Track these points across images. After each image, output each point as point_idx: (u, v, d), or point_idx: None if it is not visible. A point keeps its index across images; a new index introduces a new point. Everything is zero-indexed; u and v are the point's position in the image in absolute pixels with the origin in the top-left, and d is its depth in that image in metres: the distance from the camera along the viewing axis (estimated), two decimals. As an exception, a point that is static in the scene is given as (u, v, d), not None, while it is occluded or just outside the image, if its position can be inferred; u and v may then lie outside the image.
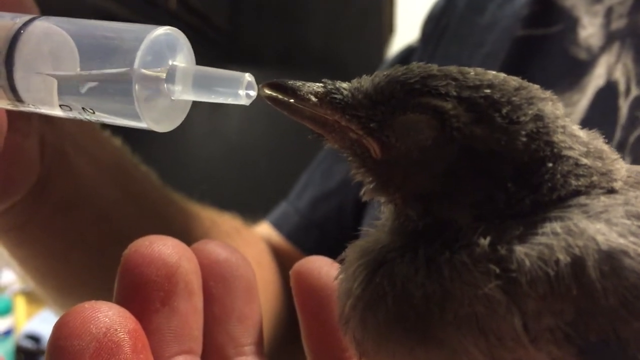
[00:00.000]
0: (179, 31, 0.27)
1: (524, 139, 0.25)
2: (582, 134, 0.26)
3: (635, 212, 0.24)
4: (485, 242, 0.23)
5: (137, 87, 0.25)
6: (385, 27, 1.44)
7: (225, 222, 0.64)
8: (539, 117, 0.25)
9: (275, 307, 0.64)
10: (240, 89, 0.25)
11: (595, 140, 0.27)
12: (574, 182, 0.25)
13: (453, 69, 0.26)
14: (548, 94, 0.26)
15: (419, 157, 0.25)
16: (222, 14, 1.42)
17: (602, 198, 0.24)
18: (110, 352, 0.24)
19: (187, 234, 0.56)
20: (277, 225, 0.72)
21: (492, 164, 0.25)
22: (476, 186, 0.25)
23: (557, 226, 0.23)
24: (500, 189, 0.25)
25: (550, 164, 0.25)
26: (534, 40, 0.58)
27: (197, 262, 0.30)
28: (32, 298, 1.22)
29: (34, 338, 1.12)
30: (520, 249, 0.23)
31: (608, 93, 0.49)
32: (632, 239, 0.23)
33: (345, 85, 0.27)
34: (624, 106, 0.48)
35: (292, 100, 0.26)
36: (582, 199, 0.24)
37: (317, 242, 0.69)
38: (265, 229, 0.72)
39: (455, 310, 0.23)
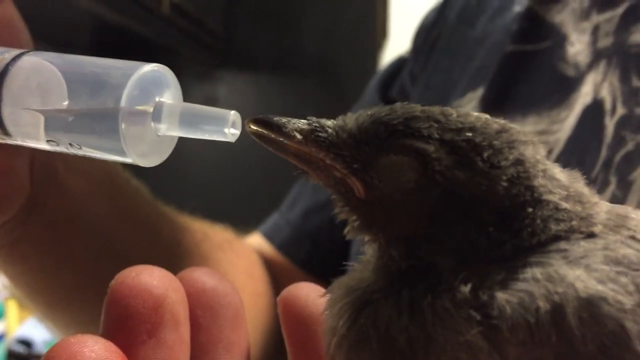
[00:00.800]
0: (167, 68, 0.27)
1: (505, 184, 0.25)
2: (563, 176, 0.26)
3: (614, 258, 0.24)
4: (467, 288, 0.24)
5: (123, 125, 0.25)
6: (378, 32, 1.44)
7: (217, 234, 0.64)
8: (519, 162, 0.25)
9: (267, 319, 0.64)
10: (226, 127, 0.26)
11: (575, 182, 0.27)
12: (554, 227, 0.25)
13: (436, 110, 0.26)
14: (529, 136, 0.26)
15: (401, 199, 0.26)
16: (216, 18, 1.42)
17: (582, 243, 0.24)
18: None
19: (178, 248, 0.57)
20: (269, 236, 0.72)
21: (473, 208, 0.25)
22: (458, 230, 0.25)
23: (537, 272, 0.23)
24: (481, 234, 0.25)
25: (531, 209, 0.25)
26: (523, 55, 0.58)
27: (184, 292, 0.30)
28: (23, 303, 1.22)
29: (26, 343, 1.12)
30: (501, 296, 0.23)
31: (595, 111, 0.50)
32: (611, 285, 0.23)
33: (329, 123, 0.27)
34: (610, 125, 0.48)
35: (277, 137, 0.26)
36: (562, 244, 0.24)
37: (308, 254, 0.70)
38: (257, 240, 0.72)
39: (438, 356, 0.24)
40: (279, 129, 0.26)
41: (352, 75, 1.37)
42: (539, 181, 0.25)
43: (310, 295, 0.31)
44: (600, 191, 0.46)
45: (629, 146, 0.46)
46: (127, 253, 0.53)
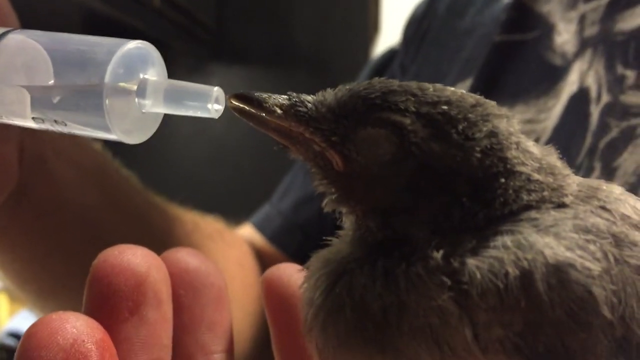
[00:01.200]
0: (151, 45, 0.27)
1: (479, 155, 0.25)
2: (536, 150, 0.27)
3: (583, 226, 0.24)
4: (439, 254, 0.24)
5: (107, 101, 0.25)
6: (370, 26, 1.44)
7: (208, 224, 0.64)
8: (493, 134, 0.26)
9: (257, 309, 0.65)
10: (210, 103, 0.26)
11: (548, 156, 0.27)
12: (525, 197, 0.25)
13: (413, 84, 0.26)
14: (504, 110, 0.27)
15: (379, 171, 0.26)
16: (208, 11, 1.42)
17: (552, 212, 0.25)
18: None
19: (168, 238, 0.57)
20: (260, 227, 0.72)
21: (448, 179, 0.26)
22: (433, 201, 0.26)
23: (507, 240, 0.24)
24: (455, 204, 0.25)
25: (503, 180, 0.25)
26: (511, 45, 0.59)
27: (167, 271, 0.30)
28: (14, 296, 1.22)
29: (17, 336, 1.11)
30: (472, 262, 0.24)
31: (580, 99, 0.50)
32: (579, 252, 0.23)
33: (309, 98, 0.27)
34: (595, 112, 0.49)
35: (257, 112, 0.27)
36: (533, 213, 0.25)
37: (299, 245, 0.70)
38: (248, 231, 0.73)
39: (410, 321, 0.24)
40: (259, 104, 0.26)
41: (344, 68, 1.38)
42: (511, 153, 0.26)
43: (292, 275, 0.32)
44: (586, 177, 0.46)
45: (613, 133, 0.46)
46: (116, 242, 0.53)
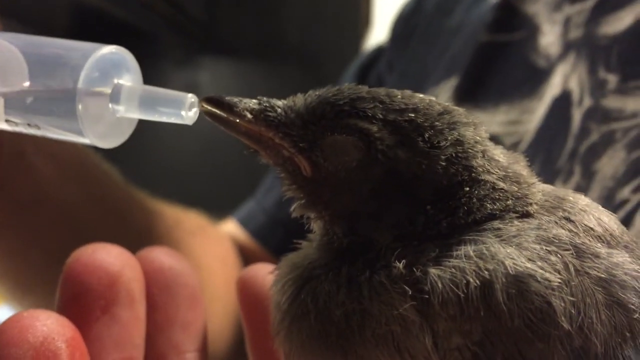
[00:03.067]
0: (126, 50, 0.27)
1: (444, 163, 0.26)
2: (502, 157, 0.27)
3: (546, 237, 0.25)
4: (401, 264, 0.25)
5: (80, 105, 0.25)
6: (361, 20, 1.44)
7: (190, 220, 0.64)
8: (459, 142, 0.26)
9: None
10: (183, 110, 0.26)
11: (515, 163, 0.28)
12: (489, 206, 0.26)
13: (382, 91, 0.27)
14: (471, 118, 0.27)
15: (345, 177, 0.26)
16: (198, 4, 1.41)
17: (516, 222, 0.25)
18: None
19: (149, 233, 0.57)
20: (243, 222, 0.72)
21: (414, 186, 0.26)
22: (398, 208, 0.26)
23: (469, 249, 0.24)
24: (420, 211, 0.26)
25: (468, 188, 0.26)
26: (496, 46, 0.59)
27: (140, 270, 0.30)
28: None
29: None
30: (434, 272, 0.24)
31: (563, 102, 0.50)
32: (540, 263, 0.24)
33: (280, 103, 0.27)
34: (577, 116, 0.49)
35: (228, 116, 0.27)
36: (496, 223, 0.25)
37: (282, 240, 0.70)
38: (231, 226, 0.73)
39: (373, 329, 0.24)
40: (230, 108, 0.27)
41: (335, 62, 1.37)
42: (477, 161, 0.26)
43: (267, 276, 0.32)
44: (565, 181, 0.47)
45: (594, 137, 0.47)
46: (96, 237, 0.52)
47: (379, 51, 0.76)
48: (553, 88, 0.52)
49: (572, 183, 0.46)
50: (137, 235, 0.56)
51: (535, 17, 0.58)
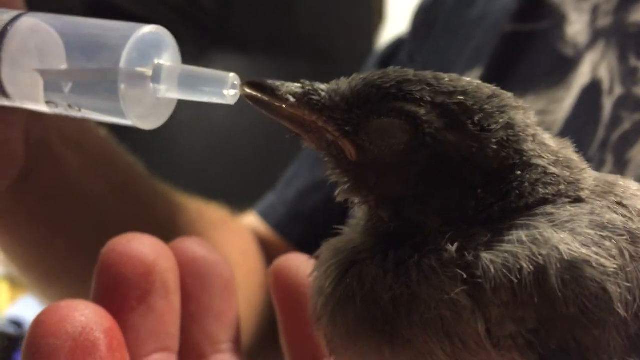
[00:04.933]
0: (166, 30, 0.27)
1: (495, 147, 0.25)
2: (552, 142, 0.27)
3: (599, 222, 0.24)
4: (453, 247, 0.24)
5: (122, 85, 0.25)
6: (375, 14, 1.43)
7: (212, 212, 0.64)
8: (509, 126, 0.25)
9: (261, 297, 0.65)
10: (225, 89, 0.26)
11: (565, 149, 0.27)
12: (541, 190, 0.25)
13: (429, 74, 0.26)
14: (520, 102, 0.27)
15: (392, 161, 0.26)
16: (211, -2, 1.41)
17: (568, 207, 0.25)
18: (86, 351, 0.25)
19: (173, 225, 0.57)
20: (264, 215, 0.72)
21: (463, 170, 0.25)
22: (447, 191, 0.25)
23: (522, 234, 0.24)
24: (470, 195, 0.25)
25: (519, 172, 0.25)
26: (522, 35, 0.58)
27: (175, 261, 0.30)
28: (15, 283, 1.21)
29: (17, 323, 1.11)
30: (486, 256, 0.23)
31: (592, 91, 0.50)
32: (594, 249, 0.23)
33: (323, 86, 0.27)
34: (607, 105, 0.48)
35: (271, 100, 0.26)
36: (549, 208, 0.25)
37: (303, 233, 0.70)
38: (252, 220, 0.72)
39: (422, 313, 0.24)
40: (272, 91, 0.26)
41: (348, 57, 1.37)
42: (528, 145, 0.26)
43: (300, 266, 0.31)
44: (597, 170, 0.46)
45: (626, 125, 0.46)
46: (120, 228, 0.52)
47: (399, 43, 0.76)
48: (581, 77, 0.52)
49: (604, 172, 0.46)
50: (161, 227, 0.56)
51: (561, 5, 0.57)
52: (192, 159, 1.31)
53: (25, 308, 1.13)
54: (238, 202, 0.72)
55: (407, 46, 0.73)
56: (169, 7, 1.26)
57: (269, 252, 0.69)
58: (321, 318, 0.27)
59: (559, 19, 0.56)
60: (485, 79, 0.58)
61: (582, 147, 0.49)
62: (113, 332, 0.26)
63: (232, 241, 0.66)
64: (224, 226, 0.65)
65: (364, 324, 0.25)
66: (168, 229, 0.57)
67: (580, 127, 0.50)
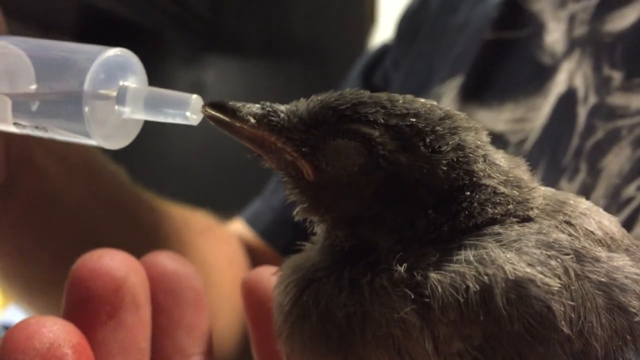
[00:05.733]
0: (131, 52, 0.27)
1: (445, 168, 0.26)
2: (504, 162, 0.27)
3: (546, 242, 0.25)
4: (402, 267, 0.25)
5: (86, 108, 0.26)
6: (366, 17, 1.44)
7: (197, 220, 0.64)
8: (460, 147, 0.26)
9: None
10: (188, 111, 0.26)
11: (516, 168, 0.28)
12: (490, 210, 0.26)
13: (384, 96, 0.27)
14: (473, 123, 0.27)
15: (348, 182, 0.27)
16: (203, 2, 1.41)
17: (516, 227, 0.25)
18: None
19: (157, 233, 0.57)
20: (251, 222, 0.72)
21: (415, 190, 0.26)
22: (399, 211, 0.26)
23: (470, 254, 0.24)
24: (421, 215, 0.26)
25: (469, 192, 0.26)
26: (502, 43, 0.59)
27: (145, 275, 0.31)
28: (4, 290, 1.21)
29: (8, 329, 1.11)
30: (434, 276, 0.24)
31: (568, 100, 0.50)
32: (539, 268, 0.24)
33: (282, 108, 0.28)
34: (582, 113, 0.49)
35: (232, 121, 0.27)
36: (497, 228, 0.25)
37: (290, 240, 0.70)
38: (239, 226, 0.73)
39: (374, 331, 0.25)
40: (233, 113, 0.27)
41: (340, 60, 1.37)
42: (478, 166, 0.26)
43: (272, 279, 0.32)
44: (571, 179, 0.47)
45: (599, 134, 0.47)
46: (104, 238, 0.53)
47: (385, 49, 0.76)
48: (558, 85, 0.52)
49: (577, 181, 0.46)
50: (146, 235, 0.57)
51: (540, 14, 0.58)
52: (181, 163, 1.32)
53: (17, 314, 1.13)
54: (226, 207, 0.73)
55: (392, 52, 0.73)
56: (162, 11, 1.26)
57: (256, 258, 0.70)
58: (281, 333, 0.28)
59: (538, 28, 0.57)
60: (466, 86, 0.59)
61: (557, 155, 0.50)
62: (81, 348, 0.27)
63: (218, 248, 0.66)
64: (210, 233, 0.65)
65: (319, 341, 0.26)
66: (153, 237, 0.57)
67: (556, 135, 0.50)
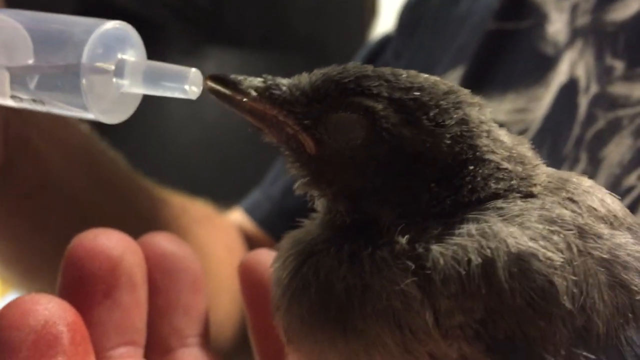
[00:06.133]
0: (129, 25, 0.27)
1: (448, 142, 0.26)
2: (507, 139, 0.27)
3: (549, 217, 0.25)
4: (404, 239, 0.25)
5: (84, 80, 0.25)
6: (367, 10, 1.44)
7: (196, 208, 0.64)
8: (464, 121, 0.26)
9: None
10: (186, 84, 0.26)
11: (519, 145, 0.28)
12: (493, 185, 0.26)
13: (387, 70, 0.27)
14: (476, 99, 0.27)
15: (350, 155, 0.26)
16: (205, -6, 1.41)
17: (519, 202, 0.25)
18: (48, 344, 0.25)
19: (155, 220, 0.57)
20: (250, 211, 0.72)
21: (418, 164, 0.26)
22: (402, 185, 0.26)
23: (472, 228, 0.24)
24: (424, 189, 0.26)
25: (472, 167, 0.26)
26: (504, 34, 0.59)
27: (142, 256, 0.30)
28: (3, 277, 1.21)
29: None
30: (436, 248, 0.24)
31: (570, 89, 0.50)
32: (542, 242, 0.24)
33: (284, 81, 0.27)
34: (583, 103, 0.49)
35: (233, 94, 0.26)
36: (499, 202, 0.25)
37: (289, 229, 0.70)
38: (238, 215, 0.73)
39: (374, 304, 0.24)
40: (234, 85, 0.27)
41: (341, 52, 1.36)
42: (482, 141, 0.26)
43: (269, 260, 0.32)
44: (571, 168, 0.47)
45: (600, 124, 0.46)
46: (101, 223, 0.53)
47: (386, 40, 0.76)
48: (560, 75, 0.52)
49: (578, 170, 0.46)
50: (143, 222, 0.56)
51: (542, 4, 0.57)
52: (182, 153, 1.31)
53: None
54: (226, 197, 0.72)
55: (394, 43, 0.73)
56: (163, 2, 1.26)
57: (255, 248, 0.69)
58: (279, 308, 0.27)
59: (540, 18, 0.56)
60: (468, 77, 0.59)
61: (558, 145, 0.49)
62: (76, 326, 0.27)
63: (216, 237, 0.66)
64: (209, 222, 0.65)
65: (318, 314, 0.26)
66: (150, 224, 0.57)
67: (557, 125, 0.50)
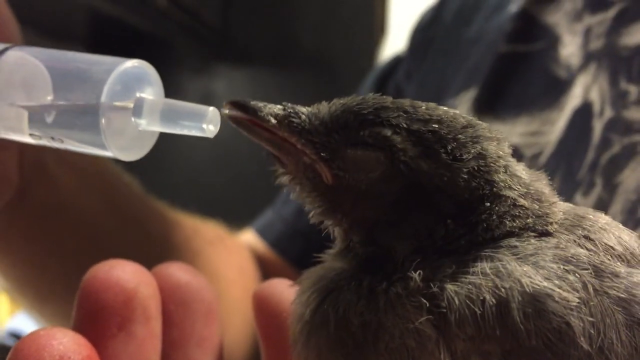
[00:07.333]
0: (148, 64, 0.27)
1: (465, 176, 0.25)
2: (525, 174, 0.27)
3: (563, 256, 0.24)
4: (419, 277, 0.24)
5: (103, 119, 0.26)
6: (376, 27, 1.44)
7: (209, 230, 0.64)
8: (481, 156, 0.26)
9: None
10: (204, 123, 0.26)
11: (537, 181, 0.27)
12: (508, 224, 0.25)
13: (406, 102, 0.26)
14: (495, 133, 0.27)
15: (367, 189, 0.26)
16: (213, 11, 1.42)
17: (533, 241, 0.25)
18: None
19: (168, 243, 0.57)
20: (262, 232, 0.72)
21: (435, 198, 0.26)
22: (418, 219, 0.26)
23: (486, 266, 0.24)
24: (440, 224, 0.25)
25: (488, 203, 0.25)
26: (516, 56, 0.59)
27: (157, 287, 0.30)
28: (12, 298, 1.22)
29: (17, 336, 1.11)
30: (450, 287, 0.24)
31: (584, 113, 0.50)
32: (557, 282, 0.23)
33: (304, 109, 0.27)
34: (597, 127, 0.48)
35: (252, 120, 0.26)
36: (513, 241, 0.25)
37: (301, 250, 0.70)
38: (249, 236, 0.72)
39: (387, 342, 0.24)
40: (254, 112, 0.26)
41: (350, 70, 1.37)
42: (499, 176, 0.26)
43: (283, 292, 0.31)
44: (586, 193, 0.46)
45: (616, 149, 0.46)
46: (115, 247, 0.53)
47: (397, 60, 0.76)
48: (574, 99, 0.52)
49: (593, 195, 0.46)
50: (156, 244, 0.56)
51: (555, 27, 0.57)
52: (193, 174, 1.32)
53: (25, 321, 1.13)
54: (237, 218, 0.72)
55: (405, 64, 0.73)
56: (173, 21, 1.27)
57: (266, 269, 0.70)
58: (297, 342, 0.27)
59: (553, 41, 0.56)
60: (480, 99, 0.59)
61: (573, 169, 0.49)
62: None
63: (228, 258, 0.66)
64: (220, 243, 0.65)
65: (335, 350, 0.25)
66: (163, 247, 0.57)
67: (571, 149, 0.50)
